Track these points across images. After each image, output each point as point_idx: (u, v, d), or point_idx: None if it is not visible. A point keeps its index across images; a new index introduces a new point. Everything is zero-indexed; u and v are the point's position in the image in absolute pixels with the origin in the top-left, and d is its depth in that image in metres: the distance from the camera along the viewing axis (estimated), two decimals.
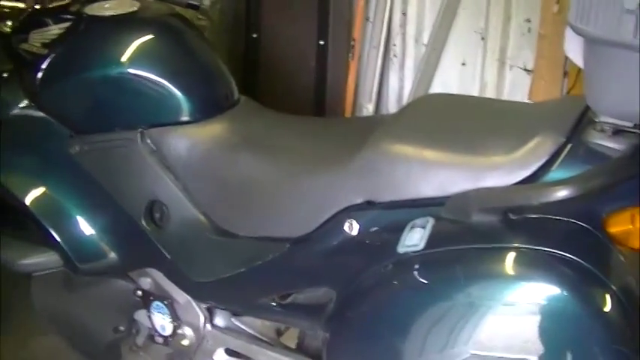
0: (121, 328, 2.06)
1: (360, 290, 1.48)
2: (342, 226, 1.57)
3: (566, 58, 3.18)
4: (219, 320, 1.92)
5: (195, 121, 1.85)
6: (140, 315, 2.02)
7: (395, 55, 3.66)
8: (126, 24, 1.93)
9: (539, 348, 1.29)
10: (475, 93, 3.50)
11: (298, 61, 3.55)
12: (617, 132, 1.34)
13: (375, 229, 1.54)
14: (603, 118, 1.33)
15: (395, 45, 3.64)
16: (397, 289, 1.44)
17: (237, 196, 1.77)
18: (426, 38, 3.55)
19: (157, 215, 1.87)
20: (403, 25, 3.58)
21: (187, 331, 1.93)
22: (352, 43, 3.53)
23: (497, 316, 1.33)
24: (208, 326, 1.90)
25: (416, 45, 3.60)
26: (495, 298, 1.33)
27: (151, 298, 1.95)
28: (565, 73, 3.25)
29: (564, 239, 1.33)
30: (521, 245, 1.34)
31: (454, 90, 3.51)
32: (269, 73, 3.61)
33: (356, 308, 1.49)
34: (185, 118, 1.85)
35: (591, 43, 1.24)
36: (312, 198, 1.64)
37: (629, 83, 1.23)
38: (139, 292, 1.97)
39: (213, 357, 1.91)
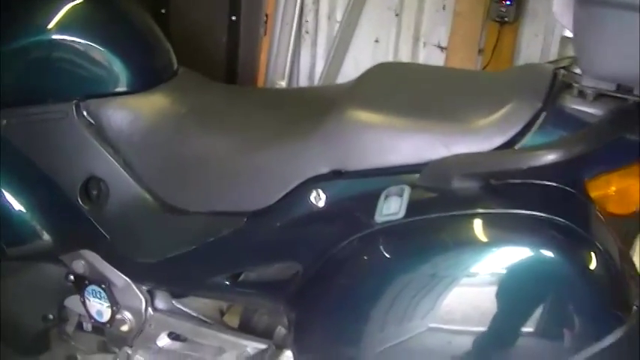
0: (51, 316, 1.94)
1: (333, 263, 1.42)
2: (308, 197, 1.50)
3: (481, 35, 3.22)
4: (161, 303, 1.84)
5: (135, 92, 1.74)
6: (71, 301, 1.90)
7: (307, 32, 3.60)
8: None
9: (532, 314, 1.27)
10: None
11: (209, 36, 3.42)
12: (597, 97, 1.33)
13: (345, 199, 1.47)
14: (585, 82, 1.31)
15: (307, 21, 3.58)
16: (379, 259, 1.38)
17: (186, 169, 1.68)
18: (339, 15, 3.50)
19: (95, 192, 1.76)
20: (316, 1, 3.52)
21: (127, 315, 1.83)
22: (265, 18, 3.45)
23: (490, 286, 1.30)
24: (150, 310, 1.81)
25: (329, 22, 3.55)
26: (486, 264, 1.30)
27: (86, 282, 1.83)
28: (480, 51, 3.26)
29: (550, 202, 1.31)
30: (506, 210, 1.31)
31: (367, 67, 3.45)
32: (179, 50, 3.46)
33: (330, 282, 1.43)
34: (123, 89, 1.74)
35: (584, 4, 1.21)
36: (272, 169, 1.56)
37: (626, 44, 1.20)
38: (72, 277, 1.85)
39: (157, 342, 1.82)
